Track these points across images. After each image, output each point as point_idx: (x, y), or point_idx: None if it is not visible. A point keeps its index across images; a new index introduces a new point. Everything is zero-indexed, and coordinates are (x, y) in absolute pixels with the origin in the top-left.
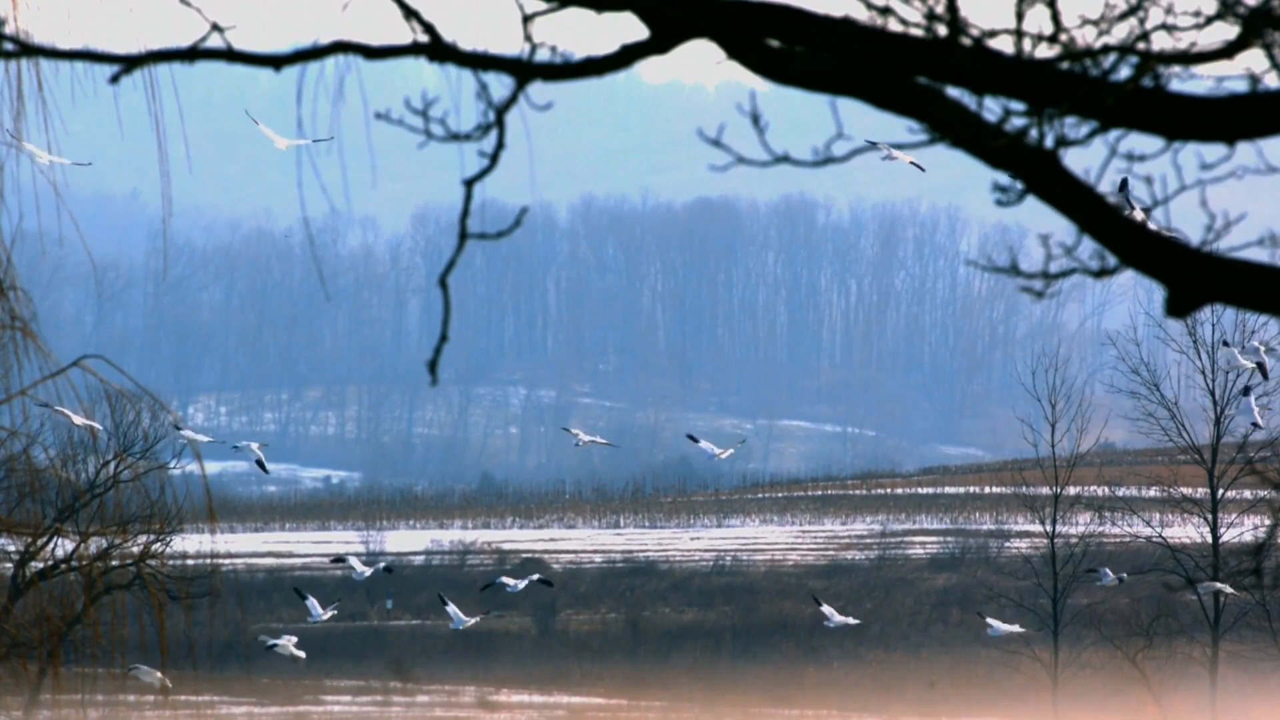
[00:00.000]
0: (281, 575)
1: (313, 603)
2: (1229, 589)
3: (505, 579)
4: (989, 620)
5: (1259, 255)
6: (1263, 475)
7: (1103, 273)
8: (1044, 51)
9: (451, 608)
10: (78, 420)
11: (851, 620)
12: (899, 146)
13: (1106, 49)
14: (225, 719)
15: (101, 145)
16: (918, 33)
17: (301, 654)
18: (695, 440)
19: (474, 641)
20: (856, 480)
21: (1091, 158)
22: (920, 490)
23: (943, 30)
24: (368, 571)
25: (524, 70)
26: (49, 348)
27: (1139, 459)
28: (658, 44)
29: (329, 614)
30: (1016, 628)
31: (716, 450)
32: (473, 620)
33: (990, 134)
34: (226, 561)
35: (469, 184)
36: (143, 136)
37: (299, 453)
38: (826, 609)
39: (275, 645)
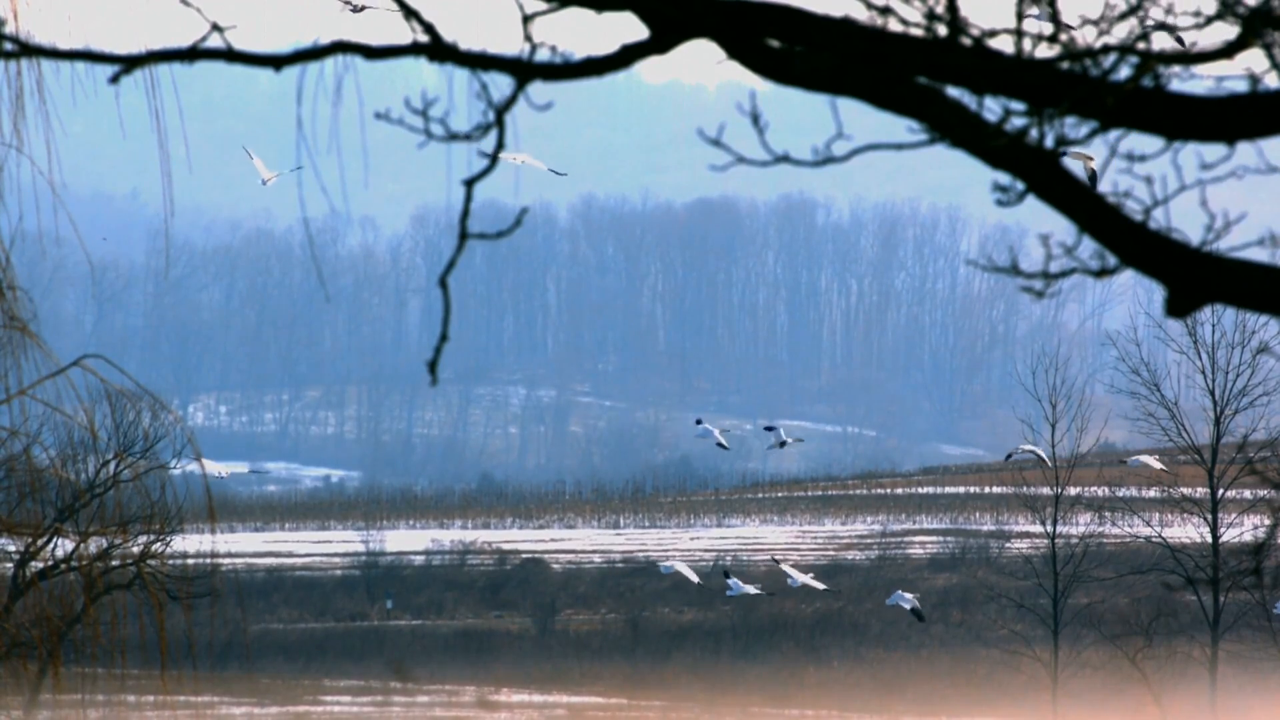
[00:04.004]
0: (281, 575)
1: (735, 581)
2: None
3: (731, 579)
4: (730, 581)
5: (1259, 255)
6: (1263, 475)
7: (1103, 273)
8: (1044, 51)
9: (733, 580)
10: (214, 468)
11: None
12: (899, 147)
13: (1106, 49)
14: (225, 719)
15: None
16: (918, 33)
17: (726, 444)
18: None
19: (474, 641)
20: (857, 480)
21: None
22: (920, 490)
23: (943, 30)
24: (801, 580)
25: (524, 70)
26: (49, 348)
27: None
28: (658, 44)
29: (753, 590)
30: (754, 589)
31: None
32: (753, 590)
33: (990, 134)
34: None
35: (469, 184)
36: (143, 136)
37: (299, 453)
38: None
39: (709, 433)
